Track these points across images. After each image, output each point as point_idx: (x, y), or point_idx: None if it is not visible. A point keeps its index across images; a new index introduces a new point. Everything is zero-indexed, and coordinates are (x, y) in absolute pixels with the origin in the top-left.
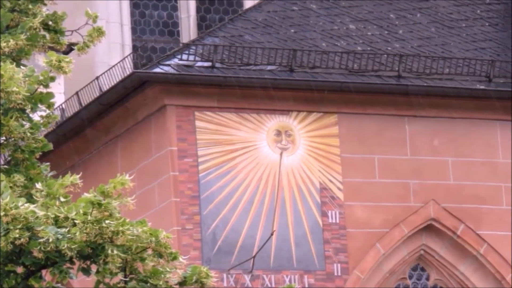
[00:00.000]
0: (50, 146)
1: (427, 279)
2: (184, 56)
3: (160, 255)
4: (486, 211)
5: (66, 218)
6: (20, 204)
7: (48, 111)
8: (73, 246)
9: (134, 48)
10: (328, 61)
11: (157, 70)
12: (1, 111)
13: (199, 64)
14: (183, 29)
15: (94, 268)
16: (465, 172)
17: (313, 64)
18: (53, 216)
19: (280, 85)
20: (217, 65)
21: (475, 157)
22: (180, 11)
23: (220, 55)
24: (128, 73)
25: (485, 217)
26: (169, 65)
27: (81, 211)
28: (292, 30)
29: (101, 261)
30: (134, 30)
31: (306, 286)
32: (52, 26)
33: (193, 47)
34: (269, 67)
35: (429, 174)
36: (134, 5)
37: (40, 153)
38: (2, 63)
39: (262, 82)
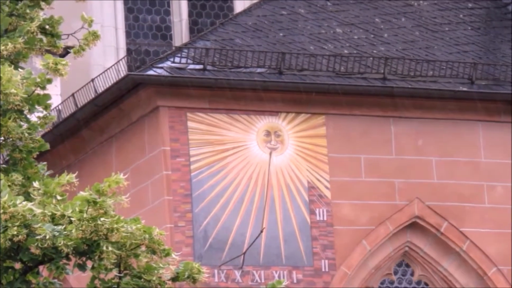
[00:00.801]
0: (47, 146)
1: (412, 275)
2: (177, 59)
3: (154, 252)
4: (469, 209)
5: (63, 215)
6: (18, 202)
7: (45, 112)
8: (69, 243)
9: (128, 51)
10: (316, 64)
11: (151, 72)
12: None
13: (191, 66)
14: (176, 32)
15: (89, 264)
16: (448, 171)
17: (301, 66)
18: (50, 213)
19: (269, 87)
20: (209, 67)
21: (458, 157)
22: (172, 15)
23: (211, 58)
24: (122, 75)
25: (467, 215)
26: (162, 67)
27: (77, 209)
28: (281, 34)
29: (96, 257)
30: (128, 34)
31: (295, 281)
32: (49, 30)
33: (185, 50)
34: (259, 70)
35: (414, 173)
36: (128, 10)
37: (37, 152)
38: (0, 66)
39: (252, 84)
